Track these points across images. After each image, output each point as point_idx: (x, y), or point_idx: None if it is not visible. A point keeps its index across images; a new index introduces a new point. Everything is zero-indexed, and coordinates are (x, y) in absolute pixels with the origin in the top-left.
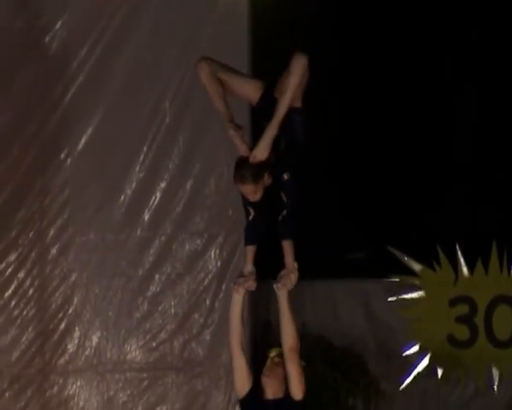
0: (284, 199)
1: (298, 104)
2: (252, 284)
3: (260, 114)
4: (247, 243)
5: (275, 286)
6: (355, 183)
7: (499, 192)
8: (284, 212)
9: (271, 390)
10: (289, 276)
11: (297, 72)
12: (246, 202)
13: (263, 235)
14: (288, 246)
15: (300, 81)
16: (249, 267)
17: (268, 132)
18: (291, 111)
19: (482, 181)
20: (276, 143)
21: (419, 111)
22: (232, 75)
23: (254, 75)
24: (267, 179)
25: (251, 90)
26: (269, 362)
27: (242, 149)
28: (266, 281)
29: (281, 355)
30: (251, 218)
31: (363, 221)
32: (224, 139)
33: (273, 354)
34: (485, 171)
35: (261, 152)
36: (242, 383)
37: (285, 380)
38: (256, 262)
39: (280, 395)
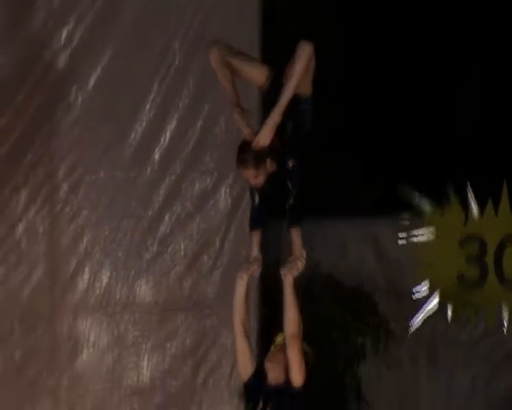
0: (290, 187)
1: (308, 92)
2: (256, 270)
3: (268, 99)
4: (252, 228)
5: (281, 272)
6: (366, 122)
7: (508, 133)
8: (291, 200)
9: (273, 376)
10: (296, 262)
11: (302, 59)
12: (251, 188)
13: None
14: (295, 233)
15: (305, 69)
16: (254, 253)
17: (271, 119)
18: (300, 99)
19: (494, 120)
20: (282, 129)
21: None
22: (242, 60)
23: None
24: (270, 165)
25: (259, 76)
26: (272, 348)
27: (246, 133)
28: (277, 220)
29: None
30: (256, 203)
31: (373, 161)
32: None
33: (279, 339)
34: (497, 109)
35: (264, 138)
36: (245, 366)
37: (287, 366)
38: (267, 207)
39: (281, 380)
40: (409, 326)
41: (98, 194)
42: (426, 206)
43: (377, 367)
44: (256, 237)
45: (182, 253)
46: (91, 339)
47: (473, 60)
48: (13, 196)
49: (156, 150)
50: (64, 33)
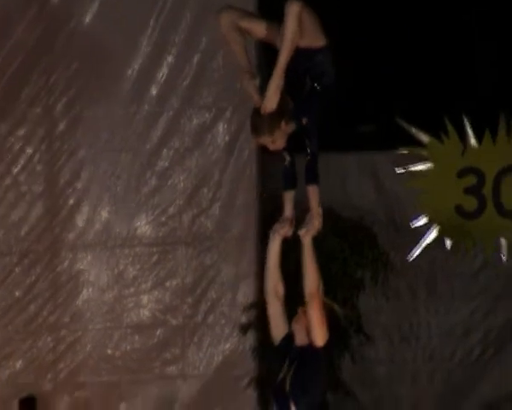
0: (307, 144)
1: (319, 43)
2: (288, 231)
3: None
4: (284, 188)
5: (299, 232)
6: (364, 56)
7: (506, 63)
8: (308, 157)
9: (299, 337)
10: (313, 222)
11: (289, 19)
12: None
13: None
14: (312, 191)
15: (296, 26)
16: (287, 213)
17: (272, 83)
18: (312, 51)
19: (488, 51)
20: (299, 86)
21: None
22: (253, 22)
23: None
24: (286, 127)
25: (273, 36)
26: (300, 310)
27: (255, 99)
28: (276, 154)
29: None
30: (286, 163)
31: (371, 94)
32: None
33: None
34: (491, 40)
35: (269, 102)
36: (277, 329)
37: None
38: None
39: (306, 342)
40: (408, 258)
41: (96, 130)
42: (424, 138)
43: (376, 299)
44: (289, 197)
45: (181, 186)
46: (91, 277)
47: None
48: (10, 133)
49: (153, 86)
50: None
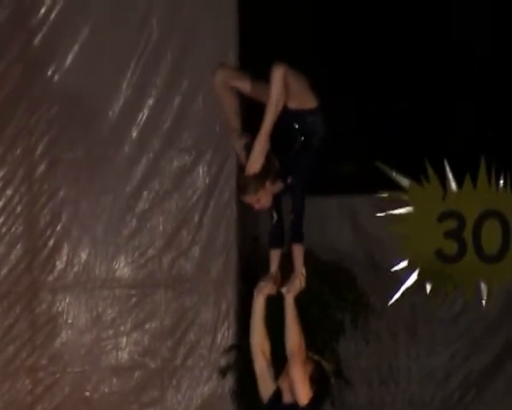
0: (292, 202)
1: (310, 105)
2: (272, 289)
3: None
4: (271, 246)
5: (283, 290)
6: (343, 97)
7: (486, 107)
8: (292, 215)
9: (286, 395)
10: (296, 282)
11: (274, 85)
12: (269, 208)
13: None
14: (297, 250)
15: (281, 91)
16: (272, 270)
17: (256, 146)
18: (304, 113)
19: (470, 97)
20: (290, 145)
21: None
22: (246, 81)
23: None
24: (271, 187)
25: (263, 95)
26: (286, 368)
27: (242, 159)
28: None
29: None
30: (274, 221)
31: (351, 137)
32: (212, 55)
33: None
34: (473, 87)
35: (252, 165)
36: (265, 386)
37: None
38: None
39: (293, 399)
40: (388, 301)
41: (76, 171)
42: (404, 181)
43: (356, 343)
44: (276, 255)
45: (160, 228)
46: (70, 319)
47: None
48: None
49: (134, 128)
50: (42, 10)
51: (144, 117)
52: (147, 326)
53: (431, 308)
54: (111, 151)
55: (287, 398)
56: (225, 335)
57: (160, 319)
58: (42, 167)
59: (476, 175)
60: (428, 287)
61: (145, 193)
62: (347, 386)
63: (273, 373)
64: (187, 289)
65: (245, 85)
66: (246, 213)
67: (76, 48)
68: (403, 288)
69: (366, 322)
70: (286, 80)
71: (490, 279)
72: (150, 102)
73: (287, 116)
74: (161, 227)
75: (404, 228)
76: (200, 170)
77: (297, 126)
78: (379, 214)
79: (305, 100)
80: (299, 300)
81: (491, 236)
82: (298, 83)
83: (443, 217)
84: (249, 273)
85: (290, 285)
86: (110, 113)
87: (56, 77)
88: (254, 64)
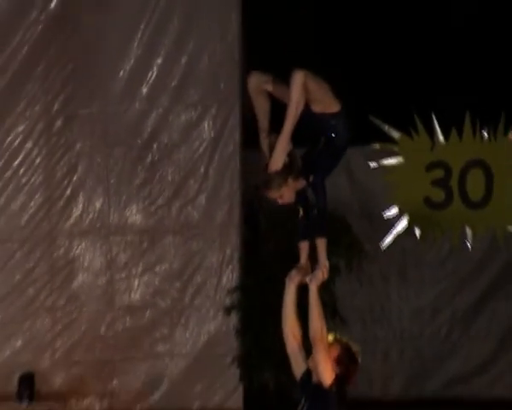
0: (314, 199)
1: (333, 109)
2: (302, 279)
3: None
4: (300, 239)
5: (307, 279)
6: (339, 54)
7: (473, 66)
8: (315, 210)
9: (315, 374)
10: (319, 273)
11: (294, 89)
12: (296, 202)
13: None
14: (320, 243)
15: (298, 98)
16: (302, 261)
17: (278, 146)
18: (327, 117)
19: (456, 56)
20: (313, 146)
21: None
22: (276, 85)
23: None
24: (294, 183)
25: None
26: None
27: (267, 157)
28: (257, 148)
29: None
30: (300, 217)
31: (346, 93)
32: (217, 17)
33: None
34: (459, 46)
35: (274, 163)
36: (297, 366)
37: (335, 364)
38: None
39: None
40: (380, 246)
41: (91, 126)
42: (395, 134)
43: (351, 285)
44: (304, 247)
45: (169, 179)
46: (86, 262)
47: None
48: (11, 129)
49: (144, 85)
50: None
51: (154, 75)
52: (157, 269)
53: (420, 252)
54: (123, 107)
55: (315, 377)
56: (230, 277)
57: (169, 262)
58: (59, 122)
59: (462, 128)
60: (417, 232)
61: (155, 146)
62: (343, 324)
63: (304, 354)
64: (194, 234)
65: (275, 88)
66: (249, 163)
67: (90, 11)
68: (393, 233)
69: (360, 265)
70: (306, 85)
71: (474, 225)
72: (159, 61)
73: (311, 118)
74: (170, 177)
75: (394, 177)
76: (206, 124)
77: (321, 129)
78: (371, 165)
79: (328, 104)
80: (297, 246)
81: (476, 184)
82: (319, 88)
83: (431, 167)
84: (252, 220)
85: (313, 276)
86: (122, 72)
87: (71, 39)
88: (256, 27)
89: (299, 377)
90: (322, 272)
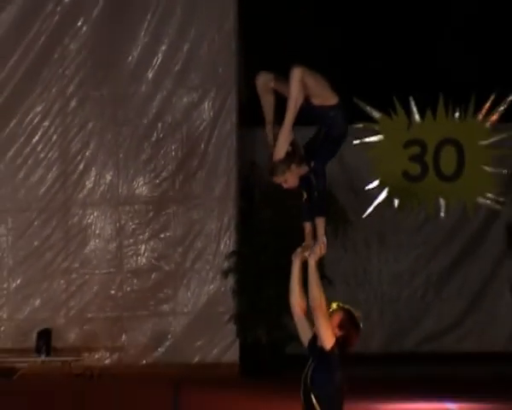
0: (314, 182)
1: (331, 102)
2: (305, 256)
3: (307, 113)
4: (303, 220)
5: (306, 254)
6: (328, 42)
7: (447, 50)
8: (316, 193)
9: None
10: (317, 248)
11: (293, 84)
12: (300, 187)
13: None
14: (319, 222)
15: (299, 90)
16: (307, 241)
17: (280, 137)
18: (326, 109)
19: (431, 43)
20: (314, 135)
21: None
22: (281, 83)
23: None
24: (297, 169)
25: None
26: None
27: (272, 146)
28: (252, 128)
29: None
30: (304, 200)
31: (332, 76)
32: (216, 9)
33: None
34: (435, 33)
35: (278, 152)
36: (304, 335)
37: (337, 329)
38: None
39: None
40: (362, 216)
41: (101, 107)
42: (376, 114)
43: (336, 250)
44: (308, 227)
45: (173, 154)
46: (97, 230)
47: None
48: (30, 109)
49: (150, 70)
50: None
51: (158, 61)
52: (161, 236)
53: (398, 221)
54: (131, 90)
55: (319, 341)
56: (227, 243)
57: (173, 229)
58: (73, 103)
59: (436, 109)
60: (396, 203)
61: (159, 125)
62: (330, 285)
63: (309, 322)
64: (195, 204)
65: (278, 85)
66: (244, 141)
67: (101, 3)
68: (374, 204)
69: (345, 233)
70: (304, 81)
71: (447, 196)
72: (163, 48)
73: (312, 110)
74: (173, 153)
75: (375, 153)
76: (206, 105)
77: (321, 119)
78: (355, 142)
79: (326, 97)
80: (288, 214)
81: (449, 159)
82: (316, 83)
83: (408, 144)
84: (247, 192)
85: (312, 251)
86: (130, 57)
87: (84, 28)
88: (251, 18)
89: (306, 344)
90: (320, 248)
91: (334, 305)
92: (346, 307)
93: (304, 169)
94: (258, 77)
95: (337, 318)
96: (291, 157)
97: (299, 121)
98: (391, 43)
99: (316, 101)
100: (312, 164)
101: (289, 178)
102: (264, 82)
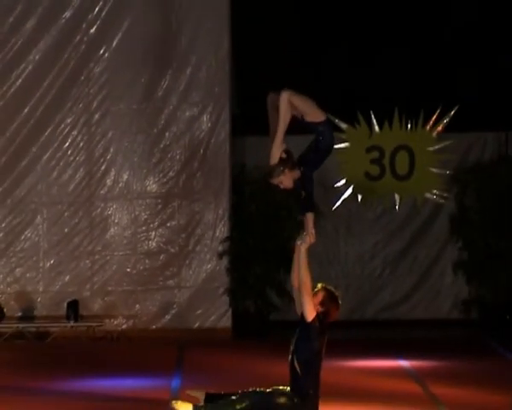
0: (303, 185)
1: (319, 119)
2: (305, 244)
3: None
4: (302, 213)
5: (297, 242)
6: (306, 63)
7: (402, 70)
8: (303, 194)
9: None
10: (308, 238)
11: (281, 106)
12: (296, 188)
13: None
14: (309, 217)
15: (286, 111)
16: (306, 230)
17: (273, 147)
18: (316, 124)
19: (391, 62)
20: (308, 147)
21: None
22: (301, 100)
23: None
24: (290, 173)
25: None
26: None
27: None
28: (242, 136)
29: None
30: (302, 197)
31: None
32: (213, 39)
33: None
34: (396, 49)
35: (272, 159)
36: (298, 306)
37: (319, 306)
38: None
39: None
40: (331, 207)
41: (120, 119)
42: (342, 125)
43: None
44: (305, 220)
45: (177, 158)
46: (116, 219)
47: None
48: (62, 121)
49: (159, 89)
50: (96, 9)
51: (166, 82)
52: (168, 224)
53: (361, 212)
54: (143, 105)
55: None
56: (222, 230)
57: (177, 219)
58: (96, 116)
59: (392, 120)
60: (359, 197)
61: (167, 134)
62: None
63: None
64: (196, 199)
65: (299, 102)
66: (236, 147)
67: (119, 35)
68: (342, 198)
69: (317, 222)
70: (291, 102)
71: (401, 192)
72: (170, 71)
73: (306, 125)
74: (178, 157)
75: (342, 157)
76: (204, 118)
77: (312, 132)
78: None
79: (314, 115)
80: (272, 206)
81: (402, 162)
82: (304, 103)
83: (369, 149)
84: (238, 188)
85: (303, 240)
86: (143, 79)
87: (106, 55)
88: (243, 47)
89: (299, 315)
90: (309, 237)
91: (319, 285)
92: (329, 287)
93: (296, 173)
94: (268, 96)
95: (320, 296)
96: (284, 163)
97: (296, 131)
98: (355, 65)
99: (307, 118)
100: (302, 169)
101: (284, 180)
102: (272, 100)
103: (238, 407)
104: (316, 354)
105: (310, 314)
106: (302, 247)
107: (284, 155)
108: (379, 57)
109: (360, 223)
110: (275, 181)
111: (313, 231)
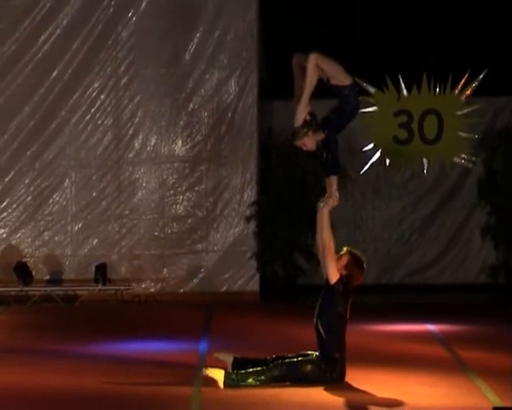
0: (327, 147)
1: (345, 82)
2: (328, 207)
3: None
4: (326, 175)
5: (319, 204)
6: (334, 29)
7: (431, 34)
8: (329, 156)
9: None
10: (330, 199)
11: (309, 68)
12: (321, 150)
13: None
14: (333, 180)
15: (313, 74)
16: (328, 192)
17: (298, 109)
18: (342, 88)
19: (418, 26)
20: (332, 109)
21: None
22: (328, 63)
23: None
24: (313, 135)
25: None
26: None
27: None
28: (270, 100)
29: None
30: (324, 159)
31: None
32: (241, 5)
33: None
34: (420, 20)
35: (296, 121)
36: (324, 268)
37: (343, 269)
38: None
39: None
40: (360, 172)
41: (147, 83)
42: (371, 89)
43: (339, 200)
44: (328, 182)
45: (205, 121)
46: (144, 183)
47: None
48: (90, 85)
49: (187, 53)
50: None
51: (194, 45)
52: (196, 188)
53: (389, 176)
54: (171, 69)
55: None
56: (249, 194)
57: (205, 183)
58: (124, 80)
59: (420, 84)
60: (387, 161)
61: (195, 97)
62: (333, 228)
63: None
64: (223, 163)
65: (326, 65)
66: (264, 111)
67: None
68: (370, 162)
69: (345, 186)
70: (319, 65)
71: (429, 156)
72: (198, 34)
73: (331, 88)
74: (206, 121)
75: (371, 121)
76: (232, 82)
77: (337, 96)
78: None
79: (340, 79)
80: (300, 172)
81: (430, 126)
82: (331, 66)
83: (397, 113)
84: (266, 153)
85: (326, 202)
86: (170, 43)
87: (134, 19)
88: (270, 10)
89: (325, 277)
90: (332, 200)
91: (345, 249)
92: (354, 251)
93: (320, 136)
94: (293, 57)
95: (344, 259)
96: (308, 125)
97: (321, 95)
98: (384, 29)
99: (332, 81)
100: (326, 132)
101: (307, 142)
102: (298, 61)
103: (269, 374)
104: (339, 317)
105: (333, 277)
106: (324, 209)
107: (308, 118)
108: (408, 21)
109: (388, 187)
110: (298, 143)
111: (336, 194)
